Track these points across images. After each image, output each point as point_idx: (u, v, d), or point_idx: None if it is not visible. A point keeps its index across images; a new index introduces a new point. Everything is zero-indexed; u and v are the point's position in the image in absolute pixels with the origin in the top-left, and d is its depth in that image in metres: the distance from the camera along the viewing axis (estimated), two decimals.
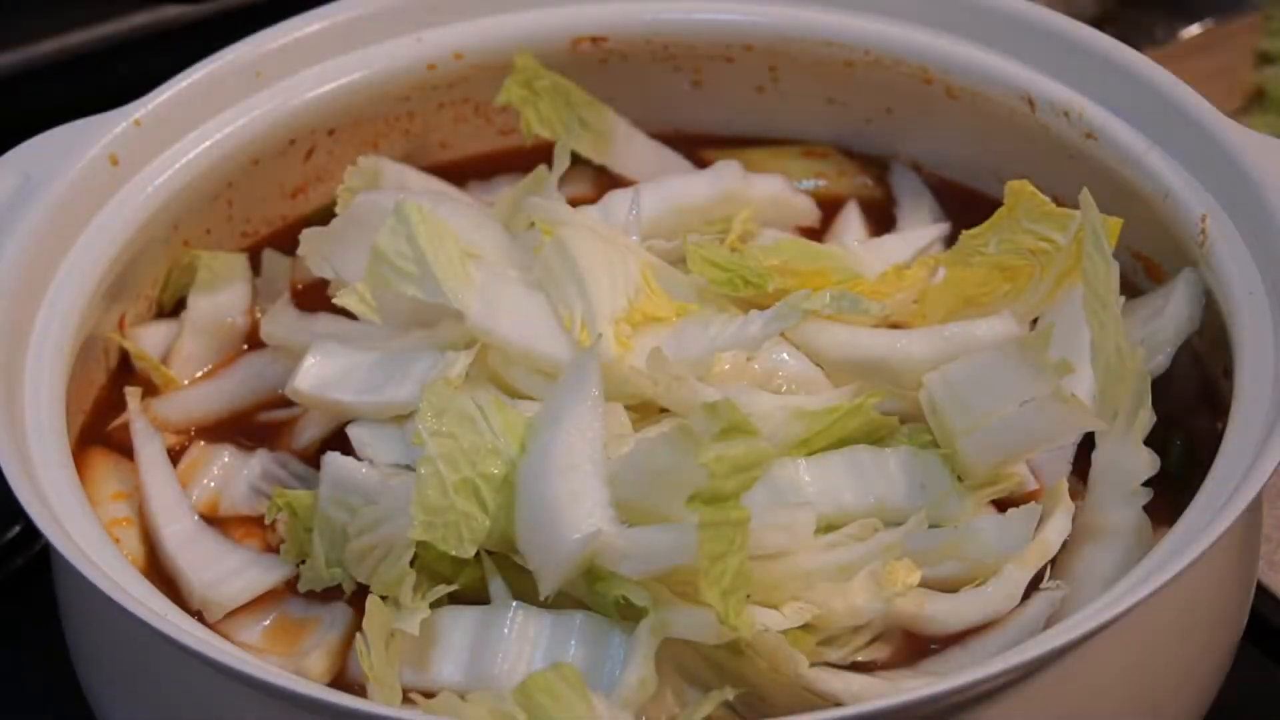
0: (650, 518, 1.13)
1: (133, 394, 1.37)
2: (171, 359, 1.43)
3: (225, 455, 1.35)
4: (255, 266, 1.50)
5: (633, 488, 1.13)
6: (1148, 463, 1.21)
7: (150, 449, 1.34)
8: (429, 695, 1.11)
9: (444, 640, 1.16)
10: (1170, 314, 1.31)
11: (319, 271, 1.35)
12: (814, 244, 1.41)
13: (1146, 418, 1.21)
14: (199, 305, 1.45)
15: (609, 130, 1.56)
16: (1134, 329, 1.32)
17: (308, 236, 1.35)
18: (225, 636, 1.20)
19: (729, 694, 1.09)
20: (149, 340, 1.44)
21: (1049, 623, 1.18)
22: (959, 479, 1.22)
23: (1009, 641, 1.17)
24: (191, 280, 1.46)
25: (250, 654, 1.18)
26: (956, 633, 1.19)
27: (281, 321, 1.39)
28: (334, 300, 1.31)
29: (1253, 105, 1.96)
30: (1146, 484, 1.21)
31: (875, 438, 1.24)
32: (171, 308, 1.48)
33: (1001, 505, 1.24)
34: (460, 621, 1.16)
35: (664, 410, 1.25)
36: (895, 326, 1.33)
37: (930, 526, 1.20)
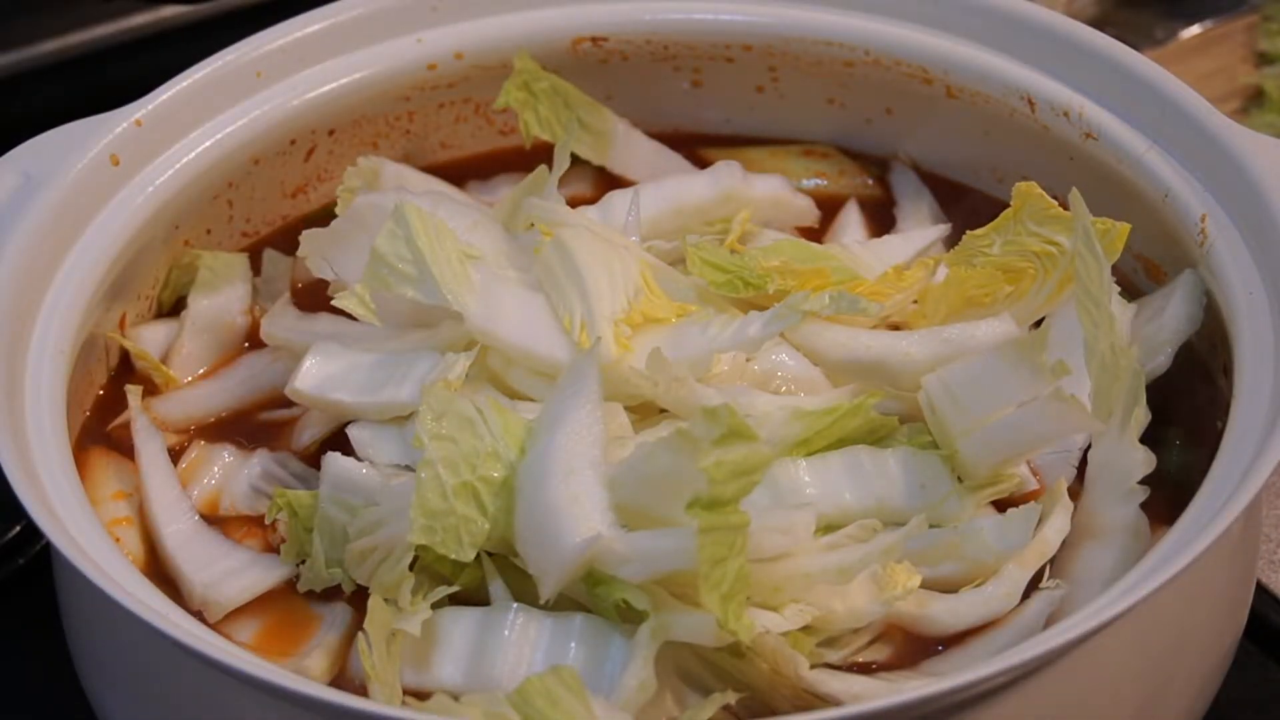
0: (650, 521, 1.12)
1: (134, 392, 1.37)
2: (171, 358, 1.43)
3: (225, 455, 1.35)
4: (256, 266, 1.50)
5: (632, 492, 1.13)
6: (1143, 461, 1.21)
7: (151, 448, 1.34)
8: (424, 696, 1.11)
9: (444, 641, 1.16)
10: (1170, 314, 1.31)
11: (319, 272, 1.35)
12: (813, 245, 1.41)
13: (1141, 416, 1.21)
14: (199, 305, 1.45)
15: (608, 131, 1.56)
16: (1134, 330, 1.32)
17: (307, 237, 1.35)
18: (225, 636, 1.20)
19: (730, 698, 1.10)
20: (149, 339, 1.44)
21: (1049, 622, 1.18)
22: (959, 479, 1.22)
23: (1009, 641, 1.17)
24: (192, 279, 1.46)
25: (250, 654, 1.17)
26: (957, 633, 1.19)
27: (281, 321, 1.39)
28: (333, 302, 1.31)
29: (1252, 105, 1.96)
30: (1144, 482, 1.21)
31: (875, 438, 1.24)
32: (171, 306, 1.48)
33: (1001, 505, 1.24)
34: (461, 623, 1.16)
35: (664, 411, 1.25)
36: (895, 327, 1.34)
37: (930, 527, 1.21)
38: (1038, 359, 1.17)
